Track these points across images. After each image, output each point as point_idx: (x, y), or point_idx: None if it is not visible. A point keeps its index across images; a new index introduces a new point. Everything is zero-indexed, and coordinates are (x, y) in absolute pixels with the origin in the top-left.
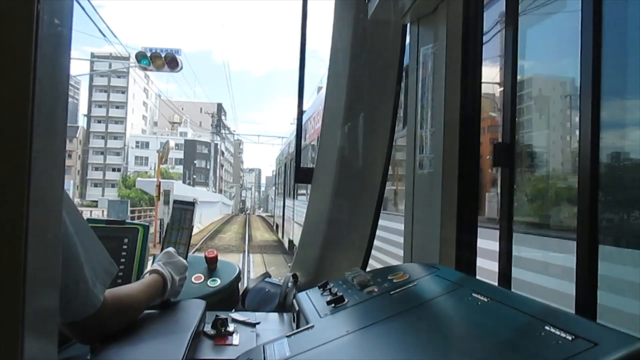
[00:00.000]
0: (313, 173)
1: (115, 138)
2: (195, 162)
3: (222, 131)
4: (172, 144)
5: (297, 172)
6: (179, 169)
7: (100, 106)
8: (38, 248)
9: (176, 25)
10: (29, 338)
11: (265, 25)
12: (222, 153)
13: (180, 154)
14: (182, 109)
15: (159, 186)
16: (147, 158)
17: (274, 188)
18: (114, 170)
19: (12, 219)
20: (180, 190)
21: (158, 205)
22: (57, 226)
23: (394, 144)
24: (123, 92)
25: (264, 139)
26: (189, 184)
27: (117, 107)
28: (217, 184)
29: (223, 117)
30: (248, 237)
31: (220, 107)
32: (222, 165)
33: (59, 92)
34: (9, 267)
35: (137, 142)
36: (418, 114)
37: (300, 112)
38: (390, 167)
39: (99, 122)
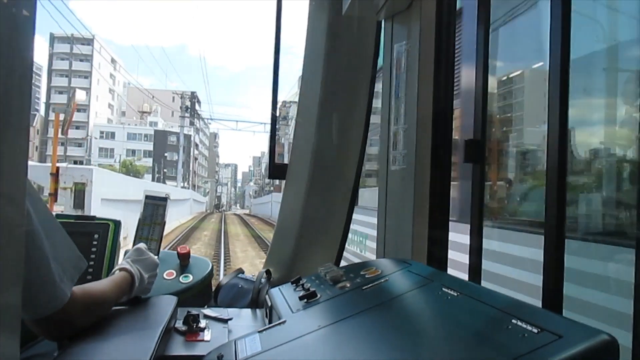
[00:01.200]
0: (287, 169)
1: (78, 128)
2: (166, 154)
3: (196, 121)
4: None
5: (271, 167)
6: (148, 161)
7: (60, 92)
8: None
9: (151, 18)
10: None
11: (241, 20)
12: (197, 145)
13: (149, 146)
14: (153, 97)
15: (55, 174)
16: (112, 150)
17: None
18: (75, 162)
19: None
20: (117, 187)
21: (53, 203)
22: (20, 220)
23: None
24: (86, 77)
25: (243, 125)
26: (158, 178)
27: None
28: (191, 178)
29: (197, 108)
30: (224, 253)
31: (194, 95)
32: (195, 159)
33: (23, 81)
34: None
35: (101, 132)
36: (391, 111)
37: (275, 109)
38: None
39: (58, 109)
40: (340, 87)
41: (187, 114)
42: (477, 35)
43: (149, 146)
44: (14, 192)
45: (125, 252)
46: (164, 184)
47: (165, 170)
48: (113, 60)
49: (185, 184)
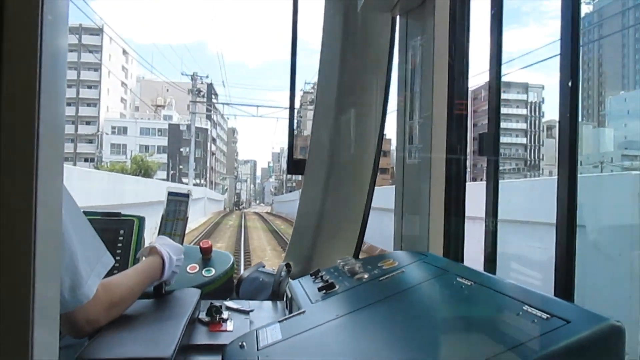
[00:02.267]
0: (305, 164)
1: (88, 123)
2: (181, 149)
3: (213, 114)
4: None
5: (290, 163)
6: (163, 157)
7: (69, 86)
8: (43, 240)
9: (169, 17)
10: (38, 325)
11: (258, 17)
12: (214, 140)
13: (164, 141)
14: (167, 90)
15: None
16: (124, 146)
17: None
18: (85, 160)
19: (20, 214)
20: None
21: None
22: (58, 219)
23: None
24: (96, 70)
25: (264, 111)
26: (173, 175)
27: (90, 87)
28: (208, 175)
29: (214, 100)
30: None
31: (210, 87)
32: (213, 154)
33: (59, 84)
34: (18, 259)
35: (113, 128)
36: (407, 105)
37: (293, 104)
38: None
39: (68, 104)
40: (356, 83)
41: (199, 98)
42: (491, 29)
43: (164, 141)
44: (52, 193)
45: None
46: (175, 183)
47: (181, 166)
48: (125, 52)
49: (202, 181)
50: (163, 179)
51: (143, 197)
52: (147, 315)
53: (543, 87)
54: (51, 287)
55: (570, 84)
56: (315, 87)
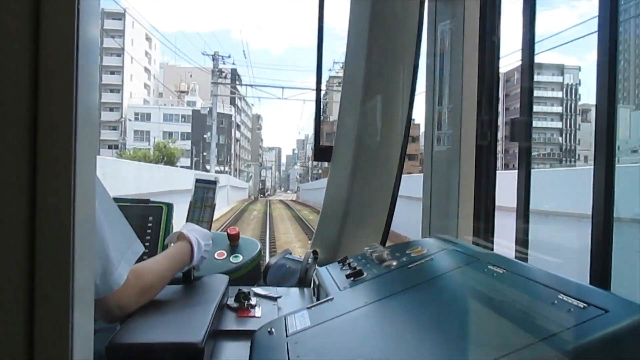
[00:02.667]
0: (332, 151)
1: (111, 110)
2: (205, 136)
3: (237, 100)
4: None
5: (316, 150)
6: (187, 144)
7: None
8: (80, 226)
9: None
10: (77, 308)
11: (283, 3)
12: (238, 126)
13: (187, 127)
14: (191, 76)
15: None
16: (148, 132)
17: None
18: (109, 147)
19: (61, 202)
20: None
21: None
22: (92, 207)
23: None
24: (119, 55)
25: (290, 93)
26: (197, 162)
27: (112, 73)
28: (233, 161)
29: (238, 86)
30: None
31: (235, 73)
32: (237, 140)
33: (92, 73)
34: (60, 244)
35: (136, 114)
36: (436, 91)
37: (319, 90)
38: None
39: None
40: (384, 68)
41: (222, 80)
42: (523, 13)
43: (187, 128)
44: (88, 181)
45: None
46: (196, 171)
47: (204, 153)
48: (148, 37)
49: (226, 168)
50: (186, 167)
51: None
52: (177, 300)
53: (579, 69)
54: (87, 273)
55: (607, 63)
56: (343, 68)
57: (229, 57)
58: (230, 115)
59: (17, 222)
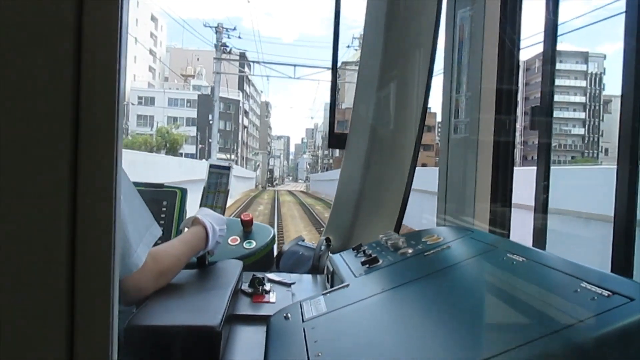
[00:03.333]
0: (346, 138)
1: None
2: (211, 121)
3: (245, 86)
4: None
5: (330, 137)
6: (192, 130)
7: None
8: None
9: None
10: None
11: None
12: (246, 113)
13: (193, 113)
14: (198, 59)
15: None
16: (152, 117)
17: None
18: None
19: (105, 192)
20: None
21: None
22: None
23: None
24: None
25: (303, 72)
26: (202, 149)
27: None
28: (240, 150)
29: (247, 71)
30: None
31: (243, 56)
32: (245, 127)
33: (123, 61)
34: (102, 237)
35: (139, 98)
36: (454, 78)
37: (334, 75)
38: None
39: None
40: (401, 55)
41: (226, 55)
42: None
43: (193, 113)
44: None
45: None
46: (198, 161)
47: (210, 140)
48: (153, 18)
49: (233, 156)
50: (190, 154)
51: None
52: (192, 285)
53: (605, 57)
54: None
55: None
56: (360, 54)
57: (234, 29)
58: (238, 101)
59: (59, 220)
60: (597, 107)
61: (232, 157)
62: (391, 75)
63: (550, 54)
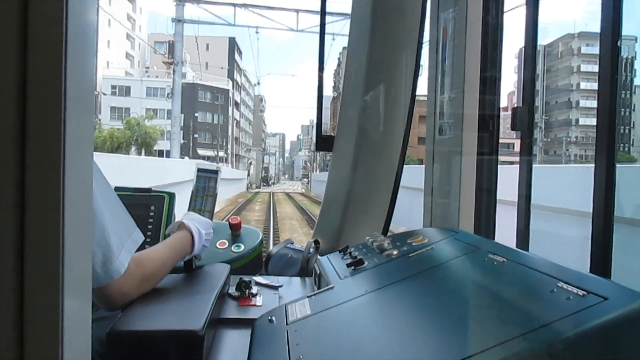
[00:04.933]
0: (334, 140)
1: None
2: (197, 114)
3: (236, 74)
4: None
5: (318, 140)
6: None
7: None
8: (73, 214)
9: None
10: (68, 298)
11: None
12: (237, 105)
13: (175, 103)
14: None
15: None
16: (128, 109)
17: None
18: None
19: (49, 188)
20: None
21: None
22: (87, 198)
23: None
24: None
25: (306, 22)
26: (184, 145)
27: None
28: (231, 146)
29: (238, 59)
30: None
31: (233, 42)
32: (237, 122)
33: (86, 59)
34: (47, 232)
35: (113, 87)
36: (438, 80)
37: (321, 79)
38: None
39: None
40: (386, 57)
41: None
42: (527, 0)
43: (176, 104)
44: (83, 167)
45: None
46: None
47: (196, 135)
48: None
49: (222, 153)
50: (163, 151)
51: None
52: (178, 289)
53: (636, 39)
54: (83, 265)
55: (609, 67)
56: (346, 57)
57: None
58: (227, 91)
59: (6, 217)
60: (627, 96)
61: (221, 154)
62: (377, 76)
63: (531, 56)
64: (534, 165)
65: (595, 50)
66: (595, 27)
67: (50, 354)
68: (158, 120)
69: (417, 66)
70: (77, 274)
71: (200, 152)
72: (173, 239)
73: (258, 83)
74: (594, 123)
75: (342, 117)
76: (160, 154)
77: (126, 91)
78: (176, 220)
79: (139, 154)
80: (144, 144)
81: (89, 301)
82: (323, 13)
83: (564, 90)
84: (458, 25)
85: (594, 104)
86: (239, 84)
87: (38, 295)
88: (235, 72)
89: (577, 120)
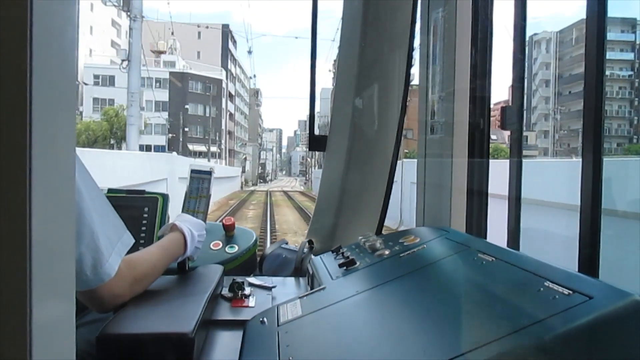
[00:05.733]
0: (327, 140)
1: None
2: (187, 106)
3: (230, 64)
4: None
5: (311, 139)
6: (162, 117)
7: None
8: (46, 215)
9: None
10: (39, 304)
11: None
12: (231, 96)
13: (164, 95)
14: (172, 33)
15: None
16: (112, 100)
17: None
18: None
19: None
20: None
21: None
22: (70, 196)
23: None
24: None
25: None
26: (173, 139)
27: None
28: (225, 140)
29: (232, 48)
30: None
31: (227, 29)
32: (230, 114)
33: (67, 51)
34: (13, 237)
35: (95, 77)
36: (429, 79)
37: (314, 78)
38: None
39: None
40: (378, 56)
41: None
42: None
43: (164, 95)
44: (63, 169)
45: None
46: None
47: (186, 128)
48: None
49: (215, 148)
50: (160, 146)
51: None
52: (170, 291)
53: None
54: (61, 265)
55: (595, 64)
56: (337, 57)
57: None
58: (220, 81)
59: None
60: None
61: (214, 149)
62: (369, 76)
63: (519, 57)
64: (551, 160)
65: (614, 36)
66: (614, 10)
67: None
68: (145, 112)
69: (409, 65)
70: (51, 279)
71: (191, 147)
72: (165, 241)
73: (254, 76)
74: (612, 111)
75: (335, 117)
76: (148, 148)
77: (110, 81)
78: (169, 221)
79: (119, 148)
80: (124, 137)
81: (72, 307)
82: (315, 14)
83: (580, 79)
84: (448, 23)
85: (612, 91)
86: (233, 74)
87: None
88: (229, 62)
89: None
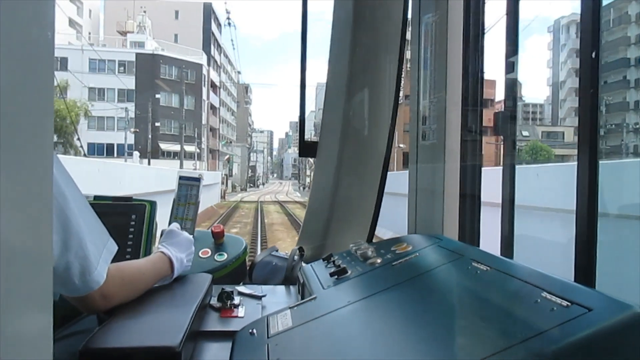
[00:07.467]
0: (317, 147)
1: None
2: (158, 95)
3: (213, 49)
4: None
5: (301, 145)
6: (124, 108)
7: None
8: (20, 223)
9: None
10: (7, 316)
11: None
12: (214, 87)
13: (130, 81)
14: (145, 11)
15: None
16: (64, 89)
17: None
18: None
19: None
20: None
21: None
22: (48, 202)
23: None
24: None
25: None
26: (138, 133)
27: None
28: (206, 139)
29: (216, 30)
30: None
31: (210, 8)
32: (214, 108)
33: (45, 50)
34: None
35: None
36: (420, 84)
37: (304, 83)
38: None
39: None
40: (369, 61)
41: None
42: (507, 2)
43: (130, 81)
44: (41, 174)
45: (162, 232)
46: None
47: (157, 124)
48: None
49: (193, 148)
50: (122, 145)
51: None
52: (157, 301)
53: None
54: (36, 276)
55: (590, 64)
56: (328, 62)
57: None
58: (200, 66)
59: None
60: None
61: (191, 149)
62: (360, 82)
63: (512, 62)
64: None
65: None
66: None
67: None
68: (105, 104)
69: (400, 69)
70: (27, 289)
71: (164, 146)
72: (153, 257)
73: (239, 72)
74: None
75: (325, 122)
76: (109, 148)
77: (62, 64)
78: (159, 229)
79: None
80: (60, 132)
81: (49, 319)
82: (305, 17)
83: (620, 67)
84: (439, 29)
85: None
86: (218, 63)
87: None
88: (213, 47)
89: (637, 103)
